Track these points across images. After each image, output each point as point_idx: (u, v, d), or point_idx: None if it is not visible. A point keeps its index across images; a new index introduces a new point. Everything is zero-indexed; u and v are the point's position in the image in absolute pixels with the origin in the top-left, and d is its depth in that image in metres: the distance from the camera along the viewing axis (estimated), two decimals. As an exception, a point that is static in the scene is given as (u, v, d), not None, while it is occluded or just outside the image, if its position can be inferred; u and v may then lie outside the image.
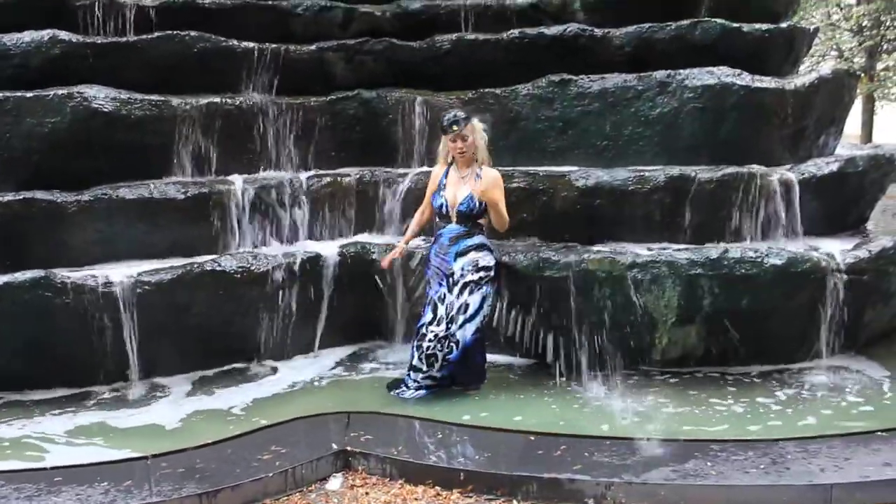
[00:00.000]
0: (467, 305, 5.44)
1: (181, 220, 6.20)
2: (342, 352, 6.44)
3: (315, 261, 6.31)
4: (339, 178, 6.94)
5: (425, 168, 6.94)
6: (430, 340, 5.46)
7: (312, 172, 7.02)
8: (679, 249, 5.95)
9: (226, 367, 6.03)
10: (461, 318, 5.44)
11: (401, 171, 7.07)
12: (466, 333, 5.45)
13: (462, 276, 5.45)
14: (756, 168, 6.24)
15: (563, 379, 5.76)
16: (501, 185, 5.56)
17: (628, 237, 6.28)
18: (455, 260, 5.47)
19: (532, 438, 4.72)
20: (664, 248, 6.01)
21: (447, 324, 5.45)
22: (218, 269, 5.88)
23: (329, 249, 6.44)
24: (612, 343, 5.83)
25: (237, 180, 6.52)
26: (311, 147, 7.15)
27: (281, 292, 6.10)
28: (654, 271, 5.73)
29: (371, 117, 7.27)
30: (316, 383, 5.88)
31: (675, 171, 6.26)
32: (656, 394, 5.51)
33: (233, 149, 6.75)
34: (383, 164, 7.21)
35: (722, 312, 5.73)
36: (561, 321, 5.89)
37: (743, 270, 5.67)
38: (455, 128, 5.43)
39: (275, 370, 6.08)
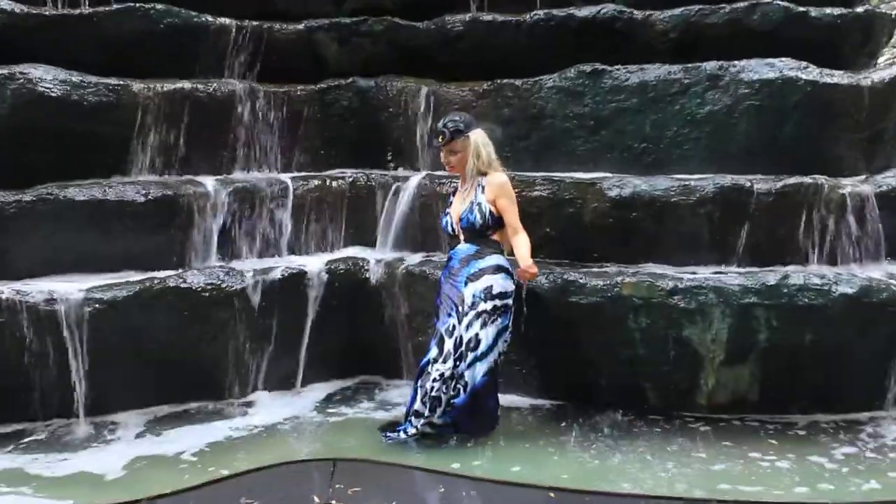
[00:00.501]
0: (478, 340, 5.38)
1: (140, 228, 6.17)
2: (329, 387, 6.43)
3: (298, 278, 6.28)
4: (328, 182, 6.94)
5: (428, 171, 6.96)
6: (434, 380, 5.38)
7: (298, 174, 7.04)
8: (730, 274, 5.94)
9: (190, 405, 5.99)
10: (470, 356, 5.37)
11: (402, 174, 7.07)
12: (476, 374, 5.38)
13: (473, 304, 5.39)
14: (823, 179, 6.23)
15: (588, 425, 5.75)
16: (510, 190, 5.56)
17: (670, 258, 6.28)
18: (465, 285, 5.44)
19: (552, 495, 4.70)
20: (713, 272, 6.01)
21: (455, 361, 5.38)
22: (183, 285, 5.85)
23: (315, 265, 6.42)
24: (648, 384, 5.85)
25: (208, 182, 6.51)
26: (297, 144, 7.17)
27: (257, 315, 6.07)
28: (700, 299, 5.70)
29: (368, 110, 7.28)
30: (296, 425, 5.83)
31: (727, 180, 6.25)
32: (700, 445, 5.48)
33: (204, 144, 6.75)
34: (381, 165, 7.23)
35: (780, 350, 5.71)
36: (587, 357, 5.90)
37: (807, 300, 5.65)
38: (440, 138, 5.57)
39: (247, 408, 6.03)
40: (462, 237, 5.52)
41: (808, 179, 6.19)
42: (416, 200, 6.73)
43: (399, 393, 6.26)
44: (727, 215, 6.19)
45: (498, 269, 5.46)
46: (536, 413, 6.01)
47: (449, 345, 5.39)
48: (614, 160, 6.80)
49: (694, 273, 5.97)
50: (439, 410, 5.37)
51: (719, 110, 6.57)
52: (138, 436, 5.57)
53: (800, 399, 5.85)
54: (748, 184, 6.19)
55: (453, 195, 5.74)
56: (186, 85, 6.64)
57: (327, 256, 6.64)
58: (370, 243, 6.91)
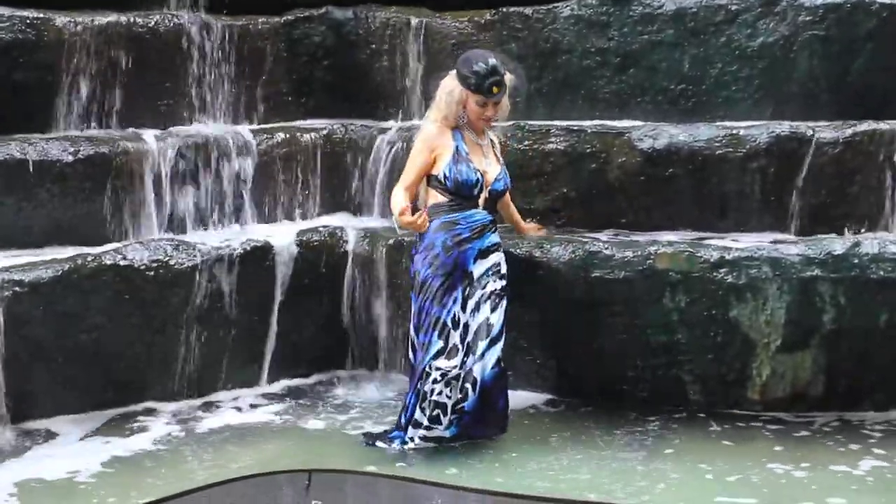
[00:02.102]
0: (489, 326, 5.40)
1: (69, 194, 6.17)
2: (300, 383, 6.48)
3: (263, 252, 6.30)
4: (298, 135, 6.95)
5: (420, 122, 6.88)
6: (435, 381, 5.35)
7: (261, 126, 7.04)
8: (788, 242, 5.96)
9: (132, 407, 5.99)
10: (481, 346, 5.37)
11: (386, 124, 7.08)
12: (487, 365, 5.38)
13: (483, 284, 5.40)
14: None
15: (617, 427, 5.77)
16: None
17: (714, 223, 6.31)
18: (474, 262, 5.41)
19: None
20: (766, 240, 6.03)
21: (463, 357, 5.36)
22: (122, 262, 5.85)
23: (283, 236, 6.45)
24: (689, 376, 5.87)
25: (151, 136, 6.50)
26: (259, 89, 7.16)
27: (212, 298, 6.08)
28: (751, 272, 5.70)
29: (345, 47, 7.27)
30: (261, 429, 5.86)
31: (784, 128, 6.27)
32: (746, 449, 5.49)
33: (145, 91, 6.74)
34: (362, 114, 7.23)
35: (850, 333, 5.71)
36: (614, 344, 5.91)
37: (882, 272, 5.62)
38: (496, 90, 5.35)
39: (202, 410, 6.07)
40: (480, 203, 5.45)
41: (883, 125, 6.20)
42: (404, 156, 6.51)
43: (386, 389, 6.32)
44: (784, 171, 6.21)
45: (500, 244, 5.54)
46: (553, 412, 6.06)
47: (455, 337, 5.38)
48: (645, 105, 6.81)
49: (744, 241, 5.98)
50: (445, 420, 5.36)
51: (775, 42, 6.58)
52: (67, 446, 5.57)
53: (873, 392, 5.85)
54: (809, 132, 6.21)
55: (463, 142, 5.46)
56: (122, 18, 6.62)
57: (298, 226, 6.68)
58: (350, 209, 6.97)
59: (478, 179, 5.40)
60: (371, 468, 5.21)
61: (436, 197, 5.46)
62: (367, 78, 7.28)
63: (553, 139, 6.45)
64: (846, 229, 6.16)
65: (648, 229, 6.28)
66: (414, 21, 7.17)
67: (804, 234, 6.13)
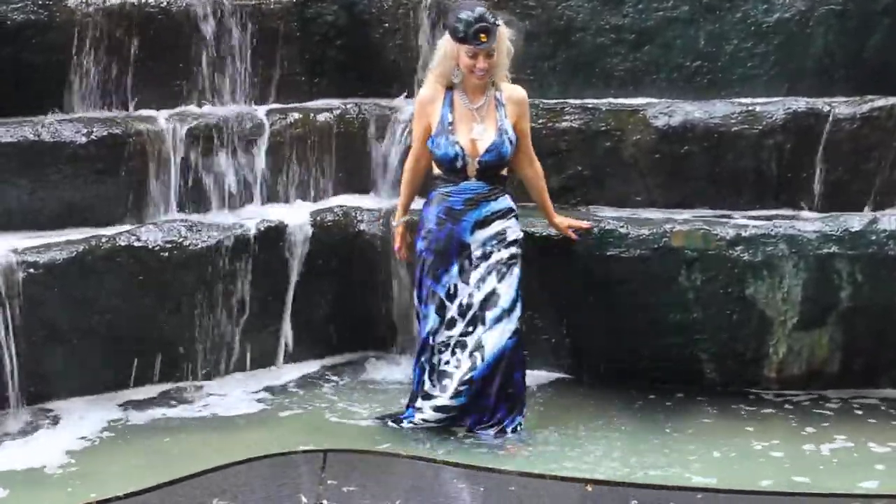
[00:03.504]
0: (496, 296, 5.33)
1: (82, 175, 6.15)
2: (316, 365, 6.49)
3: (277, 233, 6.31)
4: (312, 115, 6.92)
5: None
6: (440, 352, 5.37)
7: (274, 106, 7.02)
8: (805, 219, 5.99)
9: (146, 389, 6.02)
10: (490, 316, 5.32)
11: (400, 104, 7.06)
12: (498, 336, 5.32)
13: (484, 255, 5.35)
14: None
15: (632, 406, 5.82)
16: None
17: (730, 201, 6.32)
18: (471, 233, 5.35)
19: (589, 488, 4.73)
20: (783, 217, 6.05)
21: (465, 327, 5.34)
22: (136, 244, 5.87)
23: (297, 217, 6.45)
24: (704, 354, 5.90)
25: (165, 117, 6.51)
26: (273, 70, 7.12)
27: (227, 279, 6.09)
28: (767, 250, 5.74)
29: (358, 26, 7.24)
30: (275, 411, 5.88)
31: (801, 104, 6.29)
32: (764, 429, 5.53)
33: (158, 72, 6.72)
34: (375, 94, 7.21)
35: (867, 310, 5.75)
36: (629, 322, 5.94)
37: None
38: (483, 37, 5.16)
39: (217, 392, 6.08)
40: (471, 173, 5.35)
41: None
42: None
43: (400, 371, 6.32)
44: (801, 147, 6.22)
45: (510, 211, 5.40)
46: (567, 391, 6.10)
47: (453, 310, 5.36)
48: (661, 82, 6.78)
49: (760, 219, 6.01)
50: (451, 389, 5.34)
51: (791, 18, 6.56)
52: (82, 427, 5.59)
53: (890, 370, 5.90)
54: (826, 108, 6.24)
55: (449, 110, 5.37)
56: (134, -1, 6.62)
57: (312, 206, 6.66)
58: (364, 189, 6.95)
59: (456, 153, 5.30)
60: (386, 447, 5.23)
61: (434, 169, 5.48)
62: (380, 57, 7.26)
63: (567, 117, 6.45)
64: (864, 206, 6.17)
65: (664, 207, 6.30)
66: (427, 0, 7.13)
67: (821, 211, 6.16)
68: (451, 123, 5.33)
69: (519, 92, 5.46)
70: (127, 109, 6.58)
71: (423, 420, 5.41)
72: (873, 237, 5.68)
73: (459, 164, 5.32)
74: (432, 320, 5.40)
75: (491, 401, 5.37)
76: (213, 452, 5.19)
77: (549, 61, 6.89)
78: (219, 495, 4.64)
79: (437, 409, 5.37)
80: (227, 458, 5.01)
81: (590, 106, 6.53)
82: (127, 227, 6.06)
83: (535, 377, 6.01)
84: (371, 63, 7.26)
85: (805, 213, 6.15)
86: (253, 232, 6.20)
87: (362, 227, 6.44)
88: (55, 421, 5.66)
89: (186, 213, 6.44)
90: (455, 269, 5.36)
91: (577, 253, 5.89)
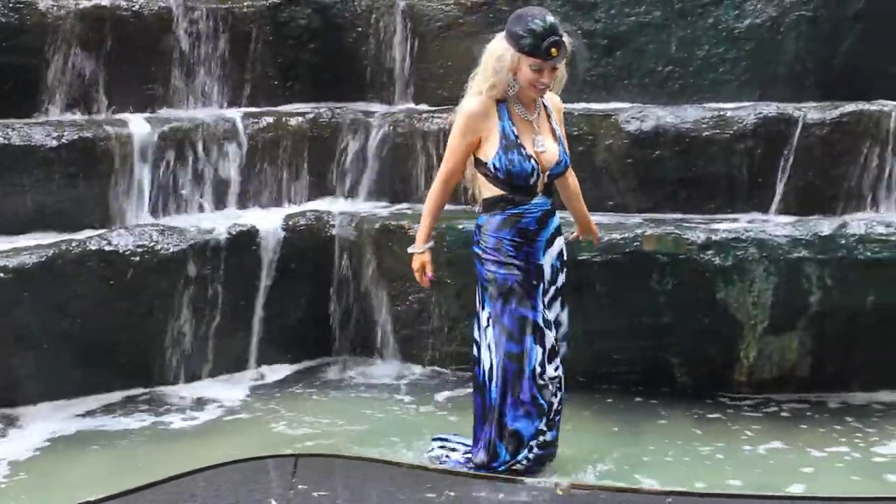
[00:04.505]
0: (559, 322, 5.01)
1: (53, 179, 6.17)
2: (288, 370, 6.52)
3: (249, 237, 6.32)
4: (284, 119, 6.96)
5: (406, 105, 7.04)
6: (556, 392, 4.89)
7: (247, 110, 7.04)
8: (775, 223, 5.99)
9: (116, 394, 6.02)
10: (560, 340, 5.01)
11: (374, 108, 7.09)
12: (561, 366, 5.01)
13: (554, 278, 4.92)
14: (890, 105, 6.25)
15: (601, 412, 5.80)
16: None
17: (701, 205, 6.33)
18: (543, 253, 4.84)
19: (560, 493, 4.70)
20: (753, 222, 6.08)
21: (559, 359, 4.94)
22: (107, 248, 5.87)
23: (270, 221, 6.48)
24: (676, 359, 5.91)
25: (137, 121, 6.51)
26: (245, 74, 7.16)
27: (199, 283, 6.09)
28: (738, 254, 5.74)
29: (330, 30, 7.27)
30: (247, 416, 5.89)
31: (771, 109, 6.30)
32: (734, 431, 5.57)
33: (131, 75, 6.75)
34: (347, 98, 7.24)
35: (836, 314, 5.76)
36: (600, 327, 5.90)
37: (868, 253, 5.69)
38: (554, 52, 4.57)
39: (188, 397, 6.09)
40: (540, 188, 4.79)
41: (870, 106, 6.22)
42: (392, 141, 6.77)
43: (376, 373, 6.37)
44: (771, 152, 6.24)
45: (560, 228, 4.96)
46: None
47: (551, 338, 4.87)
48: (633, 87, 6.82)
49: (731, 223, 6.03)
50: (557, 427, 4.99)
51: (762, 23, 6.64)
52: (47, 431, 5.59)
53: (860, 374, 5.90)
54: (797, 113, 6.23)
55: (510, 122, 4.75)
56: (106, 2, 6.61)
57: (285, 210, 6.70)
58: (337, 194, 6.96)
59: (532, 168, 4.71)
60: (356, 451, 5.22)
61: (490, 189, 4.80)
62: (353, 61, 7.30)
63: (540, 122, 6.47)
64: (834, 210, 6.20)
65: (635, 211, 6.31)
66: (399, 5, 7.19)
67: (792, 215, 6.18)
68: (517, 137, 4.74)
69: (557, 97, 4.98)
70: (100, 113, 6.61)
71: (528, 460, 4.96)
72: (842, 241, 5.70)
73: (533, 179, 4.75)
74: (536, 353, 4.82)
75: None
76: (182, 457, 5.17)
77: (523, 66, 6.92)
78: (188, 500, 4.60)
79: (545, 444, 4.97)
80: (195, 464, 4.96)
81: (564, 110, 6.50)
82: (98, 231, 6.08)
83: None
84: (344, 67, 7.30)
85: (775, 218, 6.16)
86: (224, 236, 6.21)
87: (335, 231, 6.45)
88: (19, 426, 5.66)
89: (158, 217, 6.46)
90: (539, 293, 4.84)
91: (548, 257, 5.89)
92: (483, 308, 4.87)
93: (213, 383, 6.23)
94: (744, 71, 6.67)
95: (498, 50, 4.66)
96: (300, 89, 7.26)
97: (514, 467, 4.92)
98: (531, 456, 4.90)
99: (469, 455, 5.09)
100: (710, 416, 5.74)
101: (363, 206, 6.75)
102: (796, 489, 4.84)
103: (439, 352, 6.38)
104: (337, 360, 6.60)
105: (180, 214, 6.54)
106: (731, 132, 6.22)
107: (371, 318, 6.50)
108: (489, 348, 4.88)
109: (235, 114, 6.89)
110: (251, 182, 6.80)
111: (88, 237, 5.92)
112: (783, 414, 5.78)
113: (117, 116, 6.56)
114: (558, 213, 4.91)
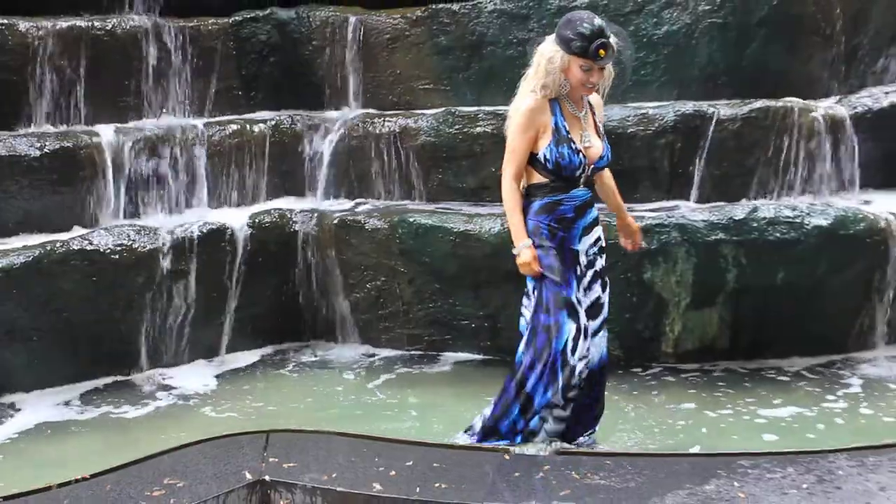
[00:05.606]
0: (600, 304, 4.87)
1: (37, 185, 6.22)
2: (257, 355, 6.57)
3: (219, 234, 6.38)
4: (247, 126, 6.99)
5: (360, 111, 7.05)
6: (578, 376, 4.76)
7: (212, 119, 7.09)
8: (694, 209, 6.09)
9: (101, 381, 6.06)
10: (593, 325, 4.84)
11: (329, 114, 7.14)
12: (603, 346, 4.91)
13: (592, 262, 4.82)
14: (793, 101, 6.38)
15: None
16: None
17: (627, 194, 5.90)
18: (579, 240, 4.76)
19: (507, 457, 4.63)
20: (674, 208, 6.17)
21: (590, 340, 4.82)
22: (89, 248, 5.93)
23: (237, 219, 6.54)
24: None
25: (112, 131, 6.56)
26: (211, 85, 7.22)
27: (174, 278, 6.14)
28: (661, 238, 5.85)
29: (289, 44, 7.33)
30: (221, 397, 5.95)
31: (688, 107, 6.41)
32: (665, 397, 5.66)
33: (106, 89, 6.80)
34: (306, 106, 7.28)
35: (751, 290, 5.88)
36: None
37: (778, 234, 5.81)
38: (602, 53, 4.52)
39: (167, 382, 6.16)
40: (582, 180, 4.74)
41: (776, 103, 6.34)
42: (347, 143, 6.81)
43: (339, 355, 6.41)
44: (689, 145, 6.33)
45: (598, 219, 4.87)
46: (486, 368, 6.14)
47: (583, 317, 4.76)
48: (564, 90, 6.86)
49: (654, 210, 6.10)
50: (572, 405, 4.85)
51: (678, 30, 6.71)
52: (38, 417, 5.65)
53: (774, 343, 6.03)
54: (711, 110, 6.34)
55: (563, 118, 4.67)
56: (82, 22, 6.64)
57: (251, 209, 6.73)
58: (299, 193, 7.00)
59: (580, 162, 4.66)
60: (326, 426, 5.20)
61: (535, 176, 4.72)
62: (310, 72, 7.32)
63: (481, 123, 6.55)
64: (746, 196, 6.29)
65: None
66: (352, 19, 7.22)
67: (708, 202, 6.27)
68: (568, 132, 4.67)
69: (598, 96, 4.86)
70: (79, 123, 6.63)
71: (547, 432, 4.88)
72: (754, 224, 5.79)
73: (579, 172, 4.70)
74: (568, 329, 4.71)
75: (593, 410, 5.02)
76: (165, 437, 5.23)
77: (464, 73, 7.01)
78: (170, 475, 4.56)
79: (559, 419, 4.86)
80: (177, 442, 4.96)
81: (501, 112, 6.43)
82: (80, 232, 6.10)
83: (461, 357, 6.18)
84: (302, 78, 7.32)
85: (694, 205, 6.26)
86: (196, 234, 6.26)
87: (297, 227, 6.51)
88: (16, 410, 5.70)
89: (134, 218, 6.49)
90: (574, 276, 4.75)
91: (490, 244, 5.96)
92: (528, 282, 4.85)
93: (189, 369, 6.26)
94: (663, 73, 6.75)
95: (549, 52, 4.62)
96: (262, 99, 7.30)
97: (521, 430, 4.87)
98: (538, 423, 4.83)
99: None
100: (639, 384, 5.81)
101: (323, 203, 6.79)
102: (695, 448, 4.87)
103: (396, 333, 6.40)
104: (303, 346, 6.63)
105: (155, 214, 6.56)
106: (653, 129, 6.32)
107: (333, 306, 6.53)
108: (525, 316, 4.89)
109: (202, 122, 6.91)
110: (219, 184, 6.82)
111: (71, 238, 5.94)
112: (702, 380, 5.84)
113: (94, 127, 6.58)
114: (596, 206, 4.86)
